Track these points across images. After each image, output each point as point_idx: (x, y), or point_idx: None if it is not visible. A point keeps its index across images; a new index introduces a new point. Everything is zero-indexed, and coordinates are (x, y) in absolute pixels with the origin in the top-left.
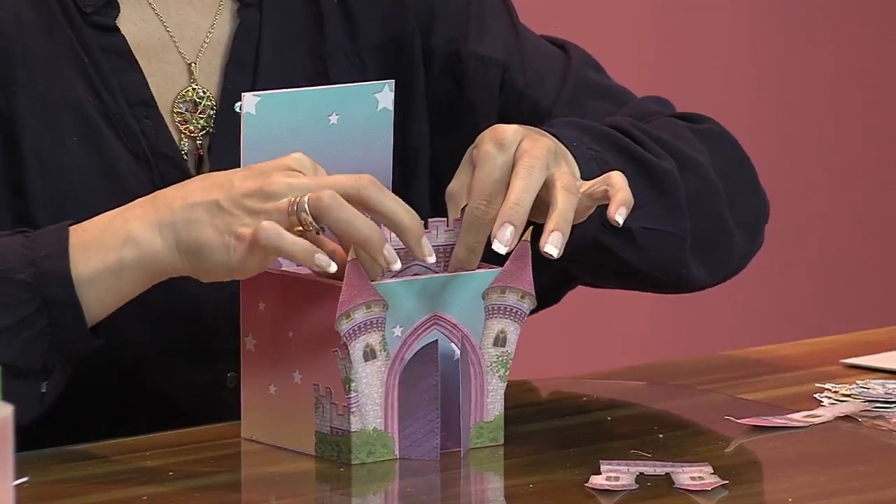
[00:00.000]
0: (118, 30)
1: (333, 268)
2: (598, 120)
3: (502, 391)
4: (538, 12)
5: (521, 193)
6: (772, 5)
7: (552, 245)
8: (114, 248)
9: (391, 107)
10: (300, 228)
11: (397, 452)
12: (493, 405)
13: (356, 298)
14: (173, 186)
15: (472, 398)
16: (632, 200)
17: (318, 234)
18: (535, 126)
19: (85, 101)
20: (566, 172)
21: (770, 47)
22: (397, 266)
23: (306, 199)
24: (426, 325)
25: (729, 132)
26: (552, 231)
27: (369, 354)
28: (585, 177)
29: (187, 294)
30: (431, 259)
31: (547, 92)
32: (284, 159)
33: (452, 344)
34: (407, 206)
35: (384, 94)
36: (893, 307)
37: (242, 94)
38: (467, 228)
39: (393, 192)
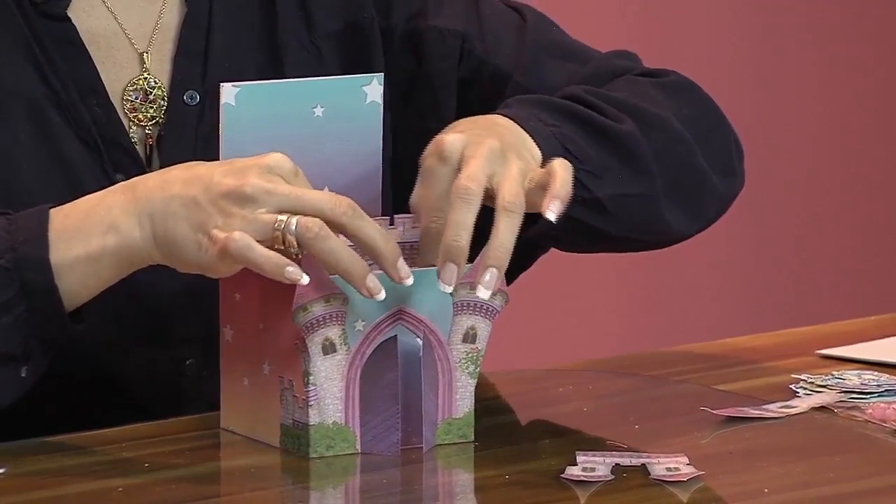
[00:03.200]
0: (68, 19)
1: (305, 279)
2: (563, 79)
3: (472, 388)
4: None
5: (457, 228)
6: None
7: (485, 288)
8: (96, 235)
9: (380, 100)
10: (281, 247)
11: (358, 447)
12: (463, 402)
13: (313, 292)
14: (156, 173)
15: (441, 394)
16: (568, 192)
17: (297, 257)
18: (499, 93)
19: (36, 91)
20: (510, 178)
21: (751, 39)
22: (381, 296)
23: (294, 223)
24: (389, 321)
25: (692, 81)
26: (487, 268)
27: (328, 348)
28: (547, 153)
29: (143, 283)
30: (409, 282)
31: (507, 57)
32: (264, 158)
33: (418, 339)
34: (383, 231)
35: (373, 88)
36: (868, 298)
37: (221, 84)
38: (425, 247)
39: (378, 185)
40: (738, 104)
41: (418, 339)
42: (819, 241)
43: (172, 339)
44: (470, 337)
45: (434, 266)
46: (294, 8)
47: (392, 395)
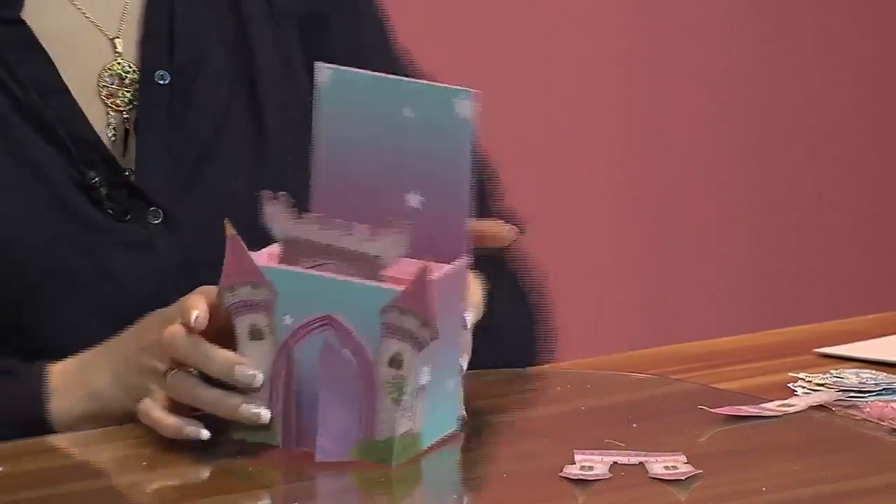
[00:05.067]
0: (23, 22)
1: (205, 434)
2: None
3: (397, 415)
4: (518, 11)
5: None
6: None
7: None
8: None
9: (470, 117)
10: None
11: (279, 441)
12: (384, 426)
13: (238, 275)
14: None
15: (361, 412)
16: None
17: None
18: None
19: None
20: None
21: (752, 40)
22: (258, 383)
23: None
24: (319, 323)
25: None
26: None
27: (256, 335)
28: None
29: (140, 285)
30: (256, 383)
31: None
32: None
33: (345, 351)
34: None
35: (462, 102)
36: (867, 296)
37: (316, 63)
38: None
39: (465, 202)
40: (737, 101)
41: (346, 352)
42: (817, 239)
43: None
44: (396, 363)
45: (376, 283)
46: None
47: (314, 402)
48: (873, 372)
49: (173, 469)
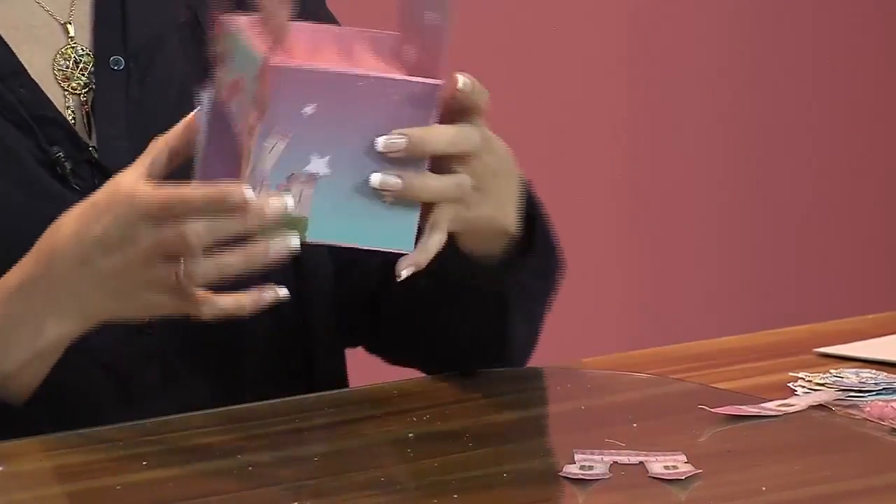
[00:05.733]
0: None
1: (284, 292)
2: None
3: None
4: (521, 11)
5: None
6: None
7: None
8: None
9: None
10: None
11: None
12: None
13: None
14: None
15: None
16: (427, 257)
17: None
18: None
19: None
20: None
21: (751, 41)
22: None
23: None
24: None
25: None
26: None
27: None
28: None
29: None
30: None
31: None
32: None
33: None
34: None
35: None
36: (867, 296)
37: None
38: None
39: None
40: (737, 101)
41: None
42: (817, 239)
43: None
44: (251, 133)
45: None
46: None
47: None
48: (873, 371)
49: (173, 469)
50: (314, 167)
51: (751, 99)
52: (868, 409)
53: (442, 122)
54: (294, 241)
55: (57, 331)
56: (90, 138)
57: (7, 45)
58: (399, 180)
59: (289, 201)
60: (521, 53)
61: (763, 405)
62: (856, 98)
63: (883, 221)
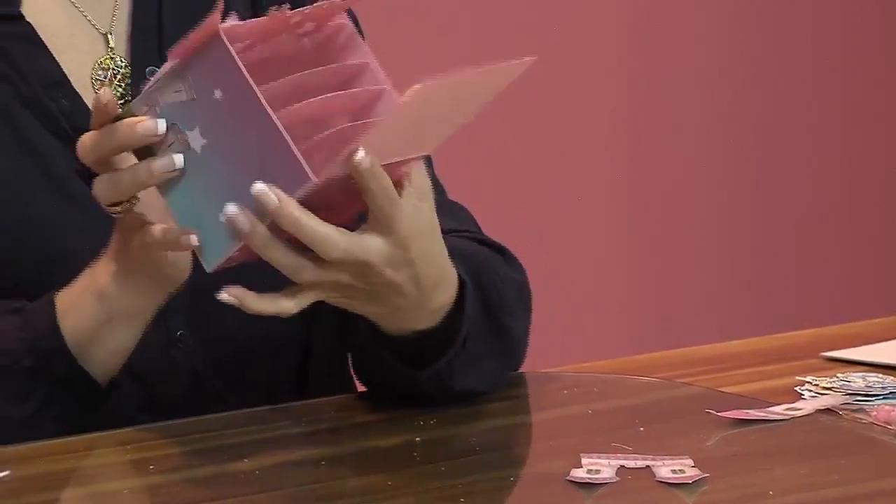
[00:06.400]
0: (23, 17)
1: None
2: None
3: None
4: (521, 12)
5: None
6: (751, 4)
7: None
8: (90, 305)
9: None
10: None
11: None
12: None
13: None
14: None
15: None
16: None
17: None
18: None
19: None
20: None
21: (746, 38)
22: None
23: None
24: None
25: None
26: None
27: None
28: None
29: None
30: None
31: None
32: None
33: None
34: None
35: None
36: (873, 300)
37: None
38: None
39: None
40: (739, 103)
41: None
42: (824, 243)
43: (163, 311)
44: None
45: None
46: None
47: None
48: (880, 376)
49: (180, 473)
50: (192, 137)
51: (752, 99)
52: (875, 413)
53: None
54: (179, 160)
55: (107, 300)
56: None
57: (51, 54)
58: (248, 228)
59: (161, 126)
60: (522, 54)
61: (770, 409)
62: (857, 98)
63: (887, 223)
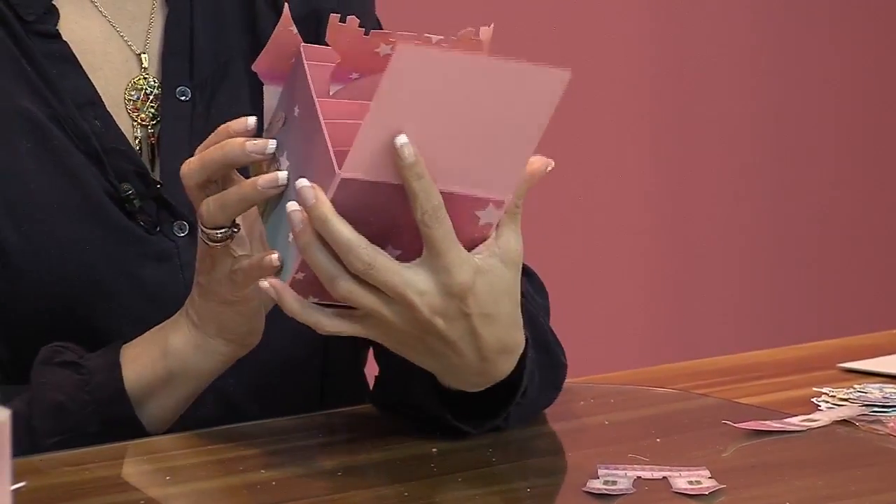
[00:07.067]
0: (59, 36)
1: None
2: None
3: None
4: (539, 10)
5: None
6: (772, 5)
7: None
8: (155, 364)
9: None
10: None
11: None
12: None
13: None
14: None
15: None
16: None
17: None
18: None
19: (32, 108)
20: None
21: (770, 47)
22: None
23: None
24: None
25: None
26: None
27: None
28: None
29: (163, 285)
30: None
31: None
32: None
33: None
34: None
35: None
36: (890, 311)
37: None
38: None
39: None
40: (762, 112)
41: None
42: (841, 253)
43: None
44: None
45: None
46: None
47: None
48: None
49: (197, 484)
50: (282, 164)
51: (773, 112)
52: (892, 424)
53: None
54: (283, 176)
55: (177, 358)
56: (153, 169)
57: (84, 73)
58: (299, 225)
59: (271, 145)
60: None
61: (787, 420)
62: (878, 110)
63: None
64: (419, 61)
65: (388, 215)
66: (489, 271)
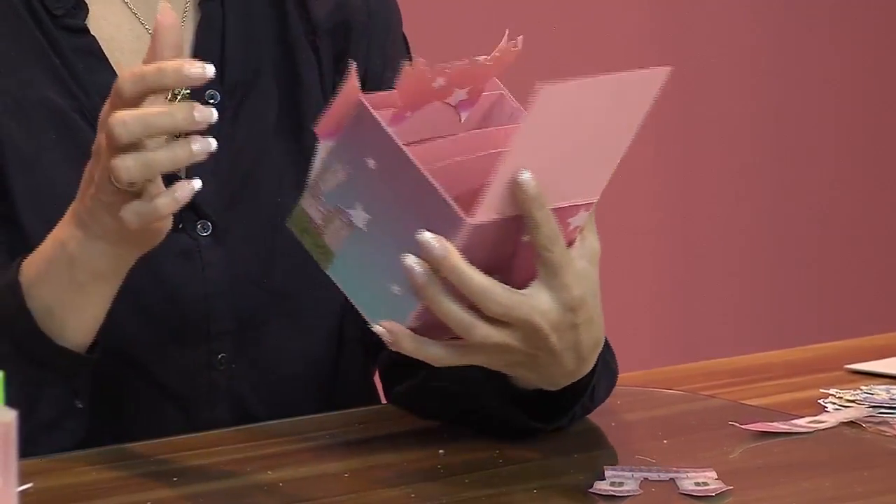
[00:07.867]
0: (88, 31)
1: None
2: None
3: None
4: (539, 10)
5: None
6: (772, 5)
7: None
8: (62, 277)
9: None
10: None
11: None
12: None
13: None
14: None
15: None
16: None
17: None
18: None
19: (59, 101)
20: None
21: (770, 47)
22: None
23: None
24: None
25: None
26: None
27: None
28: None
29: (173, 278)
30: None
31: None
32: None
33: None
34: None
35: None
36: (891, 311)
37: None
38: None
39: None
40: (763, 112)
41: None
42: (848, 254)
43: (203, 334)
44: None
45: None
46: (297, 5)
47: None
48: None
49: (202, 485)
50: (356, 216)
51: (775, 112)
52: None
53: None
54: (213, 143)
55: (66, 251)
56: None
57: (112, 69)
58: (423, 280)
59: (209, 70)
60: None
61: (793, 422)
62: (881, 111)
63: None
64: (559, 97)
65: (501, 246)
66: (586, 276)
